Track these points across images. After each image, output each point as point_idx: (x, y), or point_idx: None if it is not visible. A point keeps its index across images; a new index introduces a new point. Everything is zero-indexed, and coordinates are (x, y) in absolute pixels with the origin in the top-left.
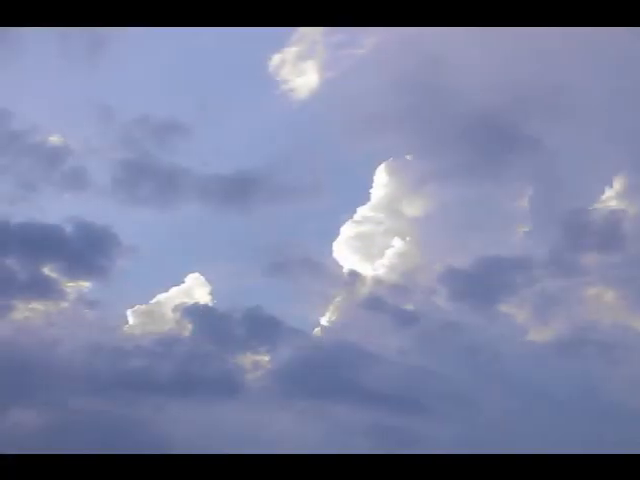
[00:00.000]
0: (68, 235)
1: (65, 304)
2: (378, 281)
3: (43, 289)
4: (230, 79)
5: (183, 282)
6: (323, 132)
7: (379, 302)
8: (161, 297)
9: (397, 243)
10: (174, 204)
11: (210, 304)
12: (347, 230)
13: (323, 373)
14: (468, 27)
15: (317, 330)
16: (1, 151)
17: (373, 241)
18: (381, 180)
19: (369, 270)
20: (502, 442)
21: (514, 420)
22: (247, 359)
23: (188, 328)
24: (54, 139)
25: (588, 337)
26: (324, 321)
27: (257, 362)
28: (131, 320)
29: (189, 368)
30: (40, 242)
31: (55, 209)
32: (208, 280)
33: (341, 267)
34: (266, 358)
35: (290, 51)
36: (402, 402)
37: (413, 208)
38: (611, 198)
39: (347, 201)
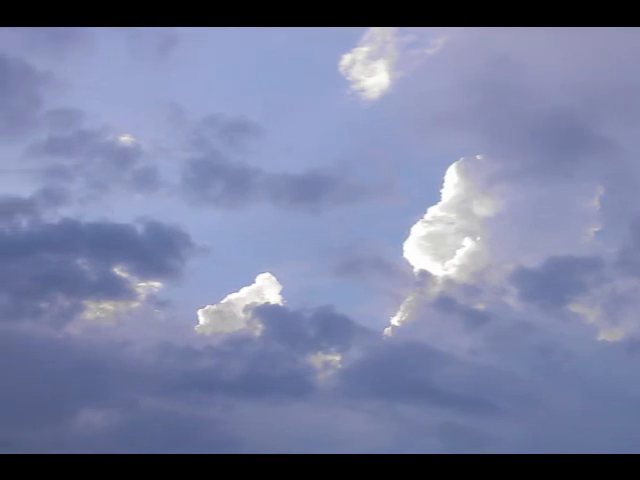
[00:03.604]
0: (139, 235)
1: (136, 304)
2: (449, 281)
3: (114, 289)
4: (301, 79)
5: (254, 282)
6: (393, 132)
7: (450, 302)
8: (232, 297)
9: (468, 243)
10: (244, 204)
11: (281, 304)
12: (418, 230)
13: (394, 373)
14: (539, 27)
15: (388, 330)
16: (73, 151)
17: (444, 241)
18: (452, 180)
19: (440, 270)
20: (573, 442)
21: (585, 420)
22: (318, 359)
23: (259, 328)
24: (125, 139)
25: None
26: (395, 321)
27: (328, 362)
28: (202, 320)
29: (259, 368)
30: (111, 242)
31: (126, 209)
32: (279, 280)
33: (412, 267)
34: (337, 358)
35: (361, 51)
36: (473, 402)
37: (484, 208)
38: None
39: (418, 201)
